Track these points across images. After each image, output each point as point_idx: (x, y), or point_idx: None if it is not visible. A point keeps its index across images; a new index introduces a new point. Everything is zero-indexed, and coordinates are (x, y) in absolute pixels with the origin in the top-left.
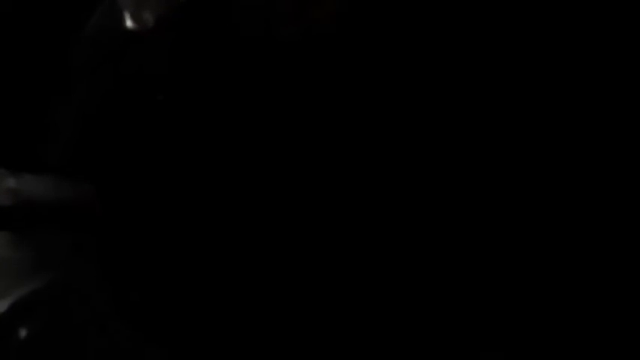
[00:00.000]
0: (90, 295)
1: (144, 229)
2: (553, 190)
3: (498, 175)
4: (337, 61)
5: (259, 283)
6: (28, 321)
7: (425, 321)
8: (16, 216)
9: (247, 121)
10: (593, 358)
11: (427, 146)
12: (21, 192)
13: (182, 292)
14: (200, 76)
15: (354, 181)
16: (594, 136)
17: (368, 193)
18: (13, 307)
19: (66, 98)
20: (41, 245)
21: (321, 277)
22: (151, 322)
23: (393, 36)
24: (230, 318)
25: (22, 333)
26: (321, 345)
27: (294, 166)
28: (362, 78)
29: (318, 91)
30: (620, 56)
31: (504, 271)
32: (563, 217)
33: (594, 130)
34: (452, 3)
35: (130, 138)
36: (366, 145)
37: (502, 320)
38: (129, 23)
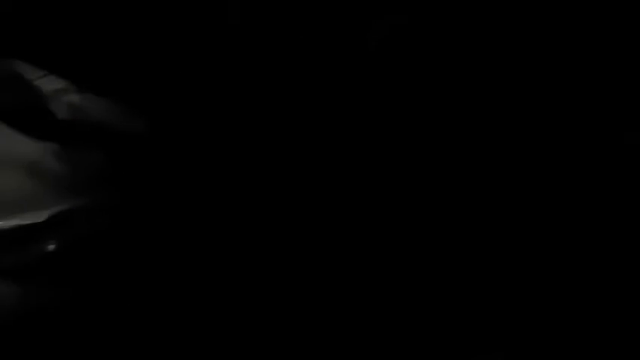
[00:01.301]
0: (129, 226)
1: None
2: (551, 190)
3: (497, 175)
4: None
5: (259, 283)
6: (61, 236)
7: (423, 322)
8: (71, 131)
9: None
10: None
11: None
12: (82, 109)
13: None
14: None
15: (356, 181)
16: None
17: (369, 193)
18: (50, 219)
19: None
20: (90, 165)
21: (319, 277)
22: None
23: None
24: (230, 318)
25: (52, 246)
26: (318, 345)
27: (299, 164)
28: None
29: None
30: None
31: (503, 271)
32: (562, 217)
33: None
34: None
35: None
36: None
37: (501, 321)
38: None
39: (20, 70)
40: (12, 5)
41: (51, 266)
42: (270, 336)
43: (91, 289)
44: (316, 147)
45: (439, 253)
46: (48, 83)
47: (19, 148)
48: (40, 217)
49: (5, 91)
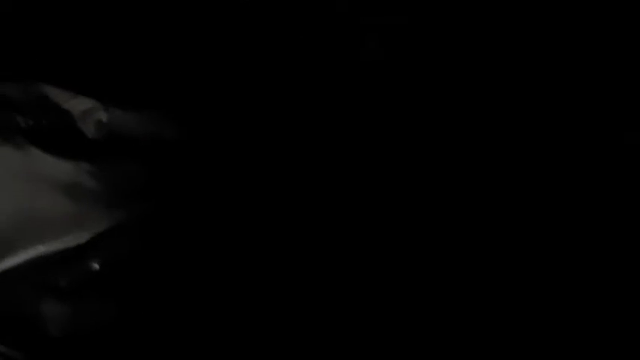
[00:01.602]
0: (167, 236)
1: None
2: (551, 190)
3: (497, 175)
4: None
5: (259, 284)
6: (103, 254)
7: (423, 322)
8: (102, 149)
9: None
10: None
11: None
12: (111, 126)
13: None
14: None
15: (356, 183)
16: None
17: (369, 195)
18: (91, 239)
19: None
20: (123, 180)
21: (318, 279)
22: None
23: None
24: (230, 318)
25: (96, 265)
26: (318, 345)
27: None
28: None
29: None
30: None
31: (503, 271)
32: (562, 217)
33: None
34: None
35: None
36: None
37: (501, 322)
38: None
39: (48, 94)
40: (12, 5)
41: (96, 284)
42: (273, 336)
43: (136, 302)
44: (315, 149)
45: (439, 252)
46: (76, 105)
47: (54, 171)
48: (81, 238)
49: (35, 114)
